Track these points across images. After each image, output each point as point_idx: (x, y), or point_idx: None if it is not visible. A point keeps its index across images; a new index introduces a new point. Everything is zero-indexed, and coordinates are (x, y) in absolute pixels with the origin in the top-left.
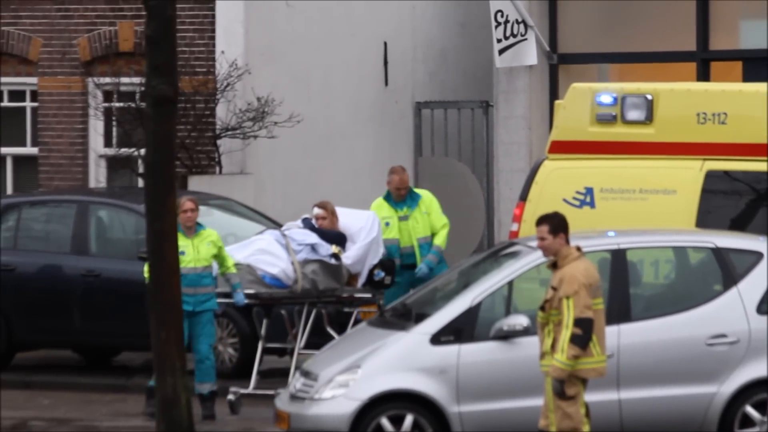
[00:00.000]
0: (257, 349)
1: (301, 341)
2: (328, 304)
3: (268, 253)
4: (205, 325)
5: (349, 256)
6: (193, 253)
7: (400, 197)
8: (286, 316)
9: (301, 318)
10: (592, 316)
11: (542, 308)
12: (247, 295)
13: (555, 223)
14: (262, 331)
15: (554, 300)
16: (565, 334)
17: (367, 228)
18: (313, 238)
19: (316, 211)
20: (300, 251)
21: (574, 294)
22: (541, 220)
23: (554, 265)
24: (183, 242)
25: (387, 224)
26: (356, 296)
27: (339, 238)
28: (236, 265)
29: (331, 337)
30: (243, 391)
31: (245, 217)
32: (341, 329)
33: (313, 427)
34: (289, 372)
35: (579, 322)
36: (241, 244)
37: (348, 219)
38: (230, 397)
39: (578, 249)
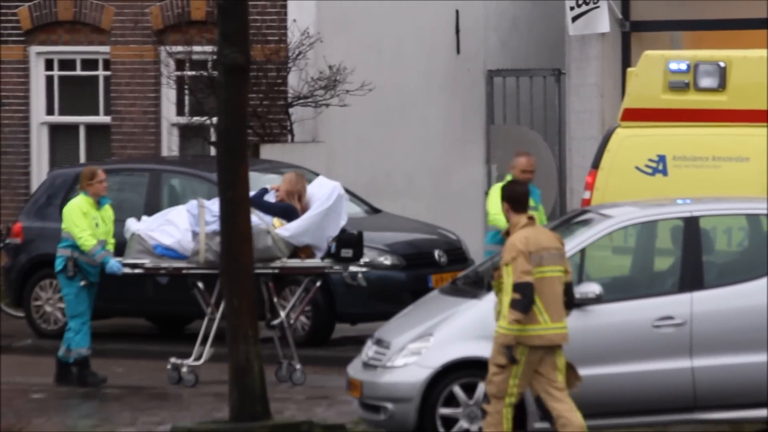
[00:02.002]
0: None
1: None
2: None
3: (171, 224)
4: (94, 293)
5: (288, 228)
6: (102, 225)
7: (527, 181)
8: (203, 287)
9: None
10: (530, 281)
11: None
12: (130, 265)
13: (503, 193)
14: (211, 302)
15: (500, 268)
16: (506, 300)
17: (323, 199)
18: None
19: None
20: (212, 223)
21: (512, 261)
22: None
23: (508, 234)
24: (95, 213)
25: None
26: (291, 266)
27: (284, 211)
28: (132, 236)
29: (403, 306)
30: (187, 362)
31: None
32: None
33: (385, 395)
34: (363, 340)
35: (517, 287)
36: (158, 215)
37: (314, 189)
38: (169, 367)
39: (529, 218)
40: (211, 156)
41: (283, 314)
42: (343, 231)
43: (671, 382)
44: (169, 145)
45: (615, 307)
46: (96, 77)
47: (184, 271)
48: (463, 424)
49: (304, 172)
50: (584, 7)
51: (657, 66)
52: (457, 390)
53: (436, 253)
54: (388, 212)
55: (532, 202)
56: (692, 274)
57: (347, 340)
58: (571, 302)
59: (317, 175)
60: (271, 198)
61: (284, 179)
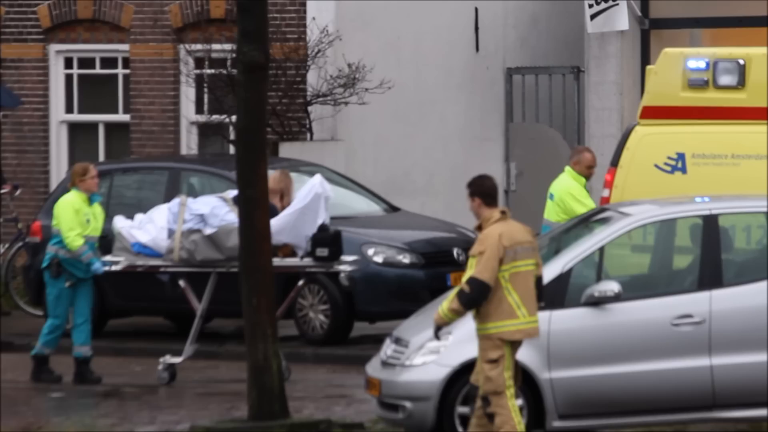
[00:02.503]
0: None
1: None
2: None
3: (150, 221)
4: (89, 290)
5: None
6: (93, 221)
7: (591, 176)
8: (184, 284)
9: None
10: (487, 279)
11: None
12: (107, 262)
13: (472, 188)
14: (202, 301)
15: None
16: (458, 288)
17: (299, 198)
18: (209, 208)
19: None
20: (189, 221)
21: (479, 254)
22: (467, 185)
23: (480, 228)
24: (87, 210)
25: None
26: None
27: None
28: (116, 233)
29: (422, 304)
30: (174, 360)
31: (336, 183)
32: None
33: (404, 393)
34: (381, 338)
35: (471, 281)
36: (148, 212)
37: (303, 188)
38: (160, 367)
39: (502, 212)
40: (230, 154)
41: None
42: (323, 230)
43: (690, 380)
44: (188, 143)
45: (634, 306)
46: (115, 75)
47: (162, 269)
48: None
49: (323, 171)
50: (603, 5)
51: (676, 63)
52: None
53: (455, 251)
54: (407, 210)
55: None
56: (711, 272)
57: (366, 338)
58: (541, 295)
59: (338, 174)
60: None
61: (269, 177)
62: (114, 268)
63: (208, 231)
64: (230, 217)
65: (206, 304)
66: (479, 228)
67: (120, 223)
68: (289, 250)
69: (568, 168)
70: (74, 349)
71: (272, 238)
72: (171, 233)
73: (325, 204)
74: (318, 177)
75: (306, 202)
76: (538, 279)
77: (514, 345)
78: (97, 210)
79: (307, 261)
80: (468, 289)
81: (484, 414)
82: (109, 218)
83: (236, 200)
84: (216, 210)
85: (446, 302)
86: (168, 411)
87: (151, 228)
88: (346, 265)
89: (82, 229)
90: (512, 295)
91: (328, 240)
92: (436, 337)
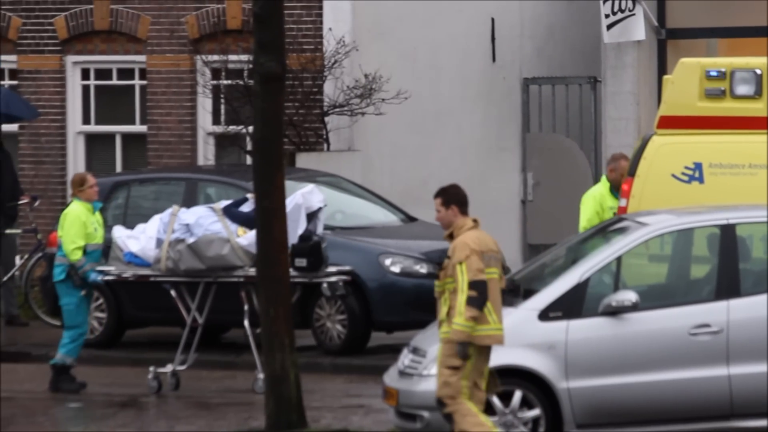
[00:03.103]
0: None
1: (202, 318)
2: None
3: (142, 231)
4: (90, 300)
5: (247, 237)
6: (100, 229)
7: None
8: (175, 294)
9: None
10: (485, 279)
11: (437, 277)
12: (101, 272)
13: (447, 196)
14: (192, 308)
15: (448, 268)
16: (461, 297)
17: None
18: (195, 218)
19: None
20: (177, 231)
21: (465, 259)
22: (436, 194)
23: (451, 237)
24: (93, 218)
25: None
26: (252, 275)
27: (248, 220)
28: (113, 243)
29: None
30: (179, 368)
31: (353, 194)
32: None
33: (421, 403)
34: (399, 348)
35: (473, 285)
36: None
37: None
38: (150, 376)
39: (474, 221)
40: (247, 165)
41: (246, 323)
42: (305, 240)
43: (708, 389)
44: (205, 154)
45: (651, 315)
46: (132, 86)
47: (151, 279)
48: None
49: (339, 181)
50: (620, 15)
51: (693, 73)
52: (494, 398)
53: None
54: (424, 220)
55: (613, 202)
56: (729, 282)
57: (383, 348)
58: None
59: (355, 184)
60: (248, 207)
61: None
62: (106, 278)
63: (191, 240)
64: (215, 227)
65: (203, 314)
66: (450, 236)
67: (117, 232)
68: None
69: (604, 176)
70: (58, 356)
71: (254, 248)
72: (159, 243)
73: (319, 214)
74: (309, 187)
75: (286, 212)
76: (502, 291)
77: (483, 351)
78: (99, 218)
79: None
80: (476, 293)
81: (442, 414)
82: (130, 228)
83: (225, 211)
84: (201, 220)
85: (459, 317)
86: (185, 421)
87: (142, 237)
88: (330, 276)
89: (84, 240)
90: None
91: (307, 250)
92: (466, 356)
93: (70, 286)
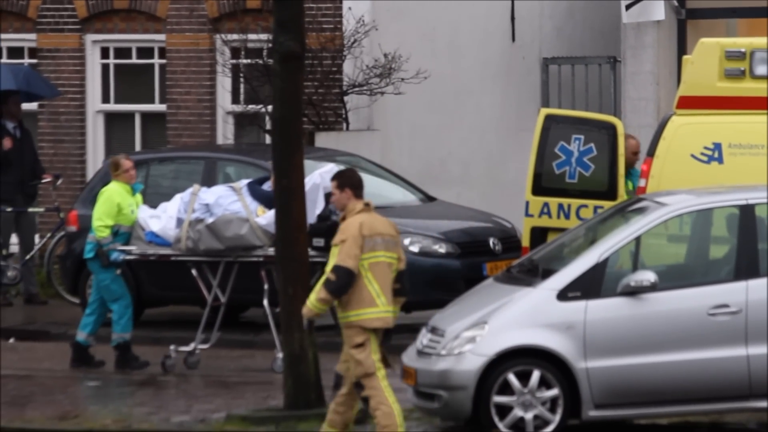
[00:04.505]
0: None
1: (224, 297)
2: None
3: (164, 210)
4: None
5: (265, 217)
6: (137, 211)
7: (635, 162)
8: (196, 273)
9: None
10: (351, 267)
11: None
12: (123, 251)
13: (342, 180)
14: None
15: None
16: (323, 278)
17: None
18: (215, 197)
19: None
20: (197, 210)
21: (341, 243)
22: (332, 177)
23: (345, 219)
24: (130, 200)
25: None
26: (271, 255)
27: (268, 199)
28: (136, 222)
29: (458, 294)
30: (201, 346)
31: (372, 173)
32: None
33: (440, 383)
34: (417, 328)
35: (335, 269)
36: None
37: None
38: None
39: (366, 204)
40: (266, 144)
41: (266, 302)
42: (323, 219)
43: (726, 370)
44: (225, 133)
45: (670, 295)
46: (151, 65)
47: (173, 258)
48: (518, 412)
49: (358, 161)
50: None
51: (713, 53)
52: (512, 378)
53: (491, 241)
54: (443, 200)
55: (630, 185)
56: (748, 262)
57: (402, 328)
58: (404, 290)
59: (374, 164)
60: (268, 186)
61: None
62: (128, 257)
63: (210, 220)
64: (235, 206)
65: (226, 293)
66: (344, 219)
67: (141, 212)
68: None
69: None
70: (80, 334)
71: (273, 228)
72: (179, 222)
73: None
74: (329, 166)
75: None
76: (401, 273)
77: (377, 332)
78: (139, 199)
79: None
80: (334, 277)
81: (359, 397)
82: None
83: (249, 187)
84: (221, 200)
85: (313, 293)
86: (204, 400)
87: (164, 217)
88: None
89: (114, 220)
90: (372, 284)
91: (324, 230)
92: (309, 329)
93: (100, 264)
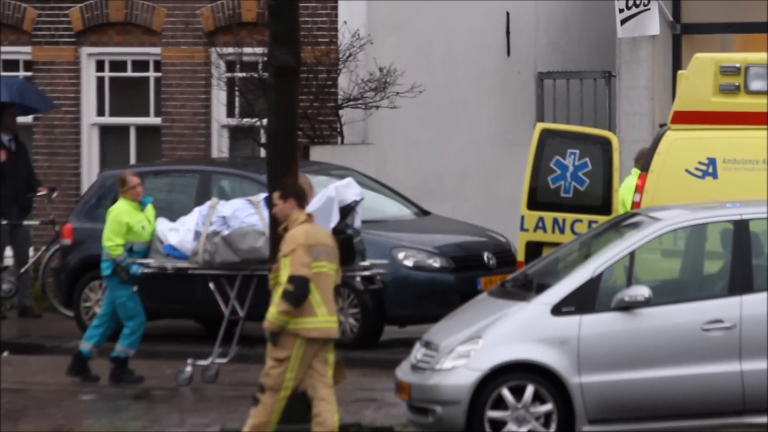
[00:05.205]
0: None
1: (243, 311)
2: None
3: (182, 223)
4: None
5: None
6: (148, 226)
7: None
8: (213, 286)
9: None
10: (306, 275)
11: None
12: (141, 264)
13: (285, 190)
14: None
15: (279, 261)
16: (280, 290)
17: (313, 201)
18: (231, 210)
19: None
20: (214, 223)
21: (291, 253)
22: (275, 187)
23: (286, 230)
24: (139, 216)
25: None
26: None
27: None
28: (155, 236)
29: (452, 308)
30: (218, 360)
31: (367, 187)
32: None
33: (433, 397)
34: (411, 342)
35: (292, 279)
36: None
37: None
38: (188, 369)
39: (308, 215)
40: (261, 158)
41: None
42: (337, 233)
43: (720, 385)
44: (219, 146)
45: (664, 310)
46: (147, 78)
47: (190, 272)
48: (512, 427)
49: (353, 174)
50: (634, 9)
51: (708, 68)
52: (506, 393)
53: (485, 255)
54: (438, 214)
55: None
56: (742, 277)
57: (396, 342)
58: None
59: (369, 178)
60: None
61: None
62: (146, 270)
63: (226, 232)
64: (251, 219)
65: (245, 307)
66: (286, 230)
67: (159, 225)
68: None
69: (634, 168)
70: (118, 348)
71: None
72: (197, 235)
73: (357, 208)
74: (346, 180)
75: (318, 206)
76: (336, 287)
77: (313, 344)
78: (150, 213)
79: None
80: (292, 288)
81: (253, 395)
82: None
83: (265, 203)
84: (238, 212)
85: (273, 307)
86: (198, 414)
87: (182, 230)
88: (364, 270)
89: (123, 238)
90: (314, 294)
91: (338, 244)
92: (273, 343)
93: (118, 281)
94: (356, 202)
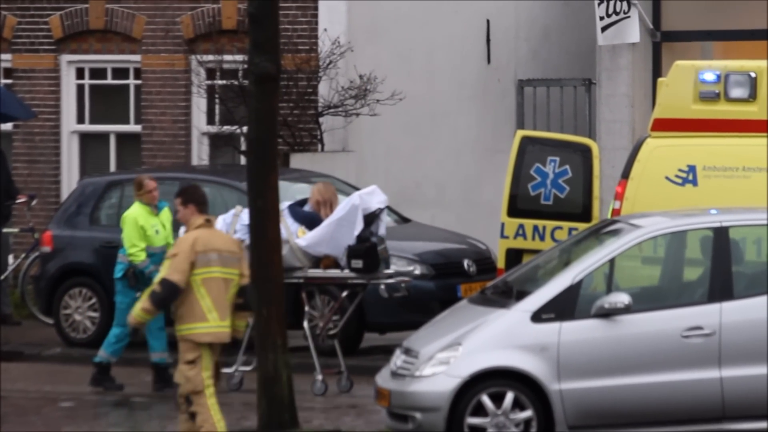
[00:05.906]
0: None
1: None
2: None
3: None
4: None
5: (305, 238)
6: (163, 230)
7: None
8: None
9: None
10: (177, 281)
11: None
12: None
13: (186, 196)
14: None
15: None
16: (149, 288)
17: (338, 209)
18: None
19: None
20: (239, 231)
21: (172, 257)
22: (176, 194)
23: None
24: (154, 221)
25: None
26: (312, 276)
27: (309, 220)
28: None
29: (432, 315)
30: (243, 368)
31: (347, 194)
32: None
33: (413, 404)
34: (391, 349)
35: (161, 282)
36: None
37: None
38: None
39: (207, 220)
40: (241, 165)
41: (306, 324)
42: (362, 241)
43: (700, 392)
44: (200, 154)
45: (644, 317)
46: (127, 86)
47: None
48: None
49: (333, 182)
50: (614, 17)
51: (688, 76)
52: (486, 400)
53: (465, 262)
54: (418, 222)
55: None
56: (721, 285)
57: (376, 349)
58: (247, 304)
59: (349, 185)
60: (309, 208)
61: (313, 190)
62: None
63: (247, 242)
64: None
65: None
66: None
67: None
68: (330, 262)
69: None
70: (154, 355)
71: (312, 249)
72: None
73: (381, 215)
74: (371, 188)
75: (342, 214)
76: (242, 288)
77: (213, 348)
78: (165, 217)
79: (347, 272)
80: (159, 289)
81: (187, 412)
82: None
83: (290, 209)
84: None
85: (139, 302)
86: (177, 420)
87: None
88: (388, 278)
89: (145, 242)
90: (204, 300)
91: (362, 252)
92: (133, 335)
93: (126, 285)
94: (380, 210)
